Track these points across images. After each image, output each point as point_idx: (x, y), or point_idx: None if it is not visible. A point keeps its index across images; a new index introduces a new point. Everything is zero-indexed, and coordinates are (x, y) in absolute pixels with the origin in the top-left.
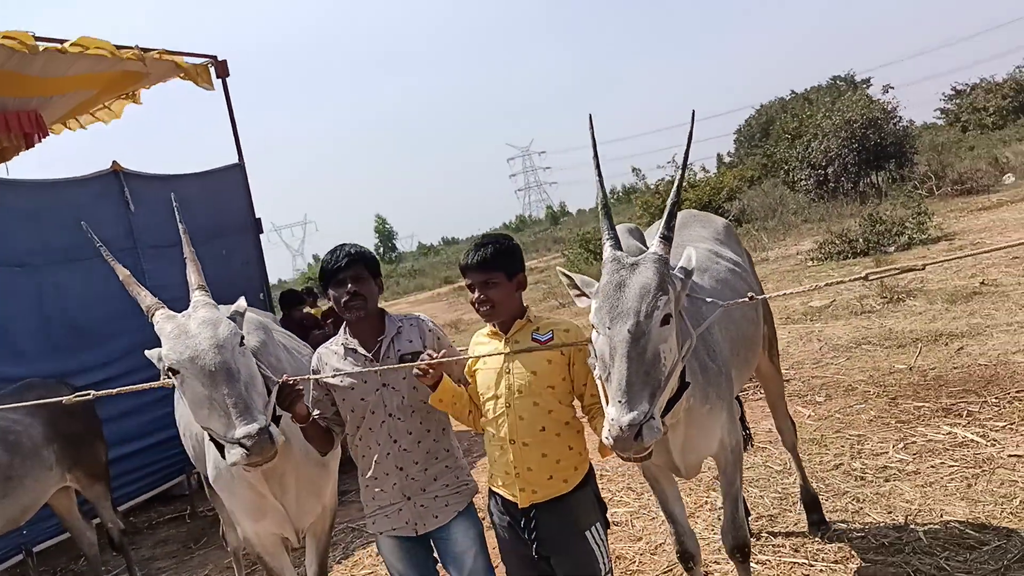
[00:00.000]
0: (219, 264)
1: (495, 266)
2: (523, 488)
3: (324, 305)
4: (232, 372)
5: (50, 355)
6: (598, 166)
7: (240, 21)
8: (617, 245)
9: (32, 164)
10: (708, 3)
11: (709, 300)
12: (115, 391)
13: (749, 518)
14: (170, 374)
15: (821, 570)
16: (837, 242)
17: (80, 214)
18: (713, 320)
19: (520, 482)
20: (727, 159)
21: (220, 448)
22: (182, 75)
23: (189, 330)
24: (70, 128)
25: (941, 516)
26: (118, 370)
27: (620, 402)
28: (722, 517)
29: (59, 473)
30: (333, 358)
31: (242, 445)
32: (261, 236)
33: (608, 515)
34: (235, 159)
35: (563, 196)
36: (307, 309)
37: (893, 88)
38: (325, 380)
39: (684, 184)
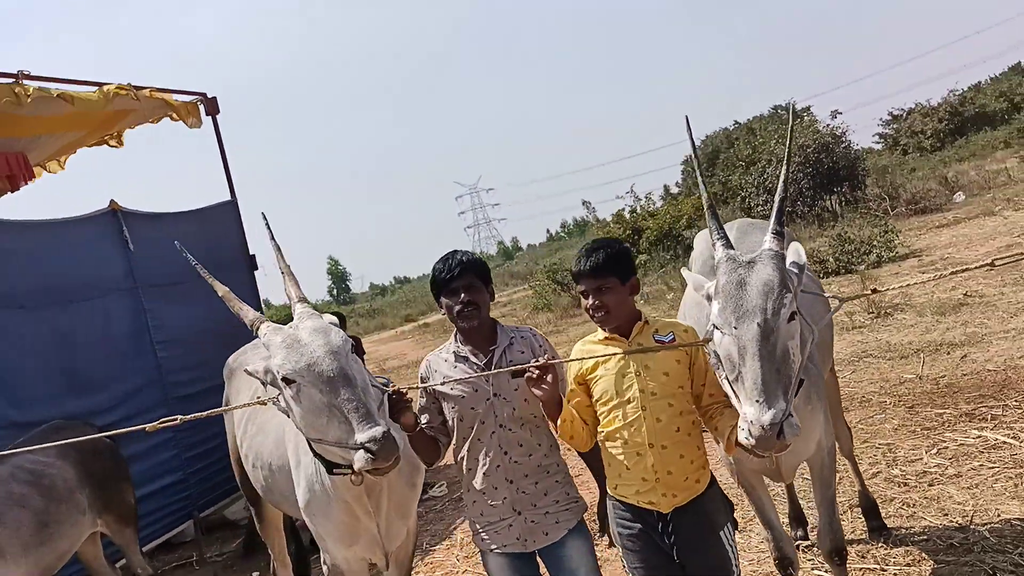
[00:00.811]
0: (214, 302)
1: (608, 271)
2: (665, 493)
3: None
4: (350, 377)
5: (52, 398)
6: (699, 167)
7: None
8: (728, 244)
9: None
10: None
11: (828, 296)
12: (193, 416)
13: (809, 528)
14: (281, 386)
15: (895, 574)
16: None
17: (80, 254)
18: (830, 318)
19: (661, 487)
20: (675, 189)
21: (328, 465)
22: (172, 114)
23: (301, 339)
24: (50, 171)
25: (999, 516)
26: (122, 414)
27: (757, 401)
28: (819, 521)
29: (91, 518)
30: (443, 366)
31: (367, 450)
32: (256, 272)
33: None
34: (227, 195)
35: (512, 232)
36: None
37: (841, 113)
38: (435, 388)
39: (644, 213)
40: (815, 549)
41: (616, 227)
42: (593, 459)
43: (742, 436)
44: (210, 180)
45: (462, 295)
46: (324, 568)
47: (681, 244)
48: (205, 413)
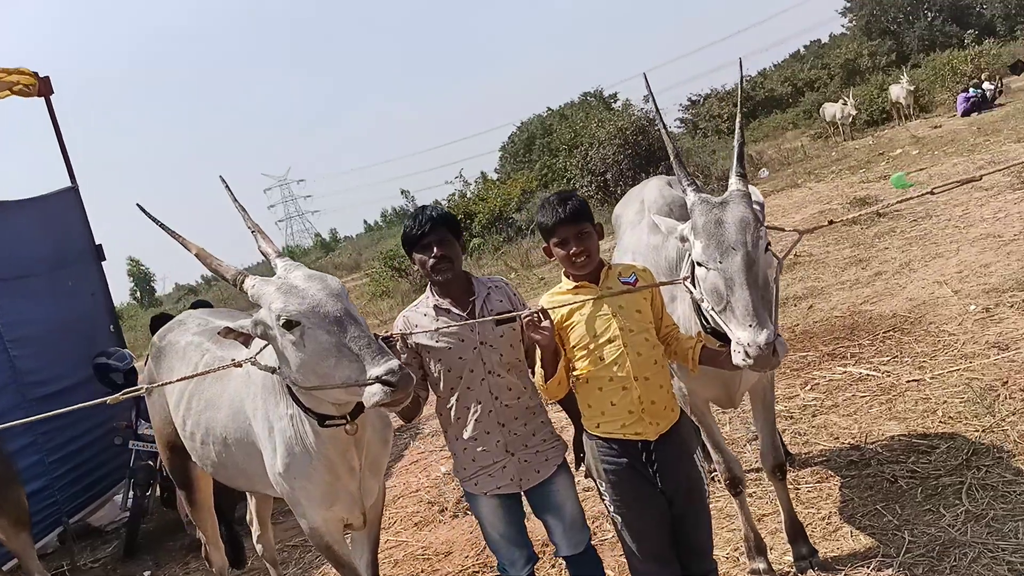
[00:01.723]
0: (67, 296)
1: (585, 217)
2: (650, 422)
3: None
4: (355, 317)
5: None
6: (662, 121)
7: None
8: (698, 188)
9: None
10: (465, 28)
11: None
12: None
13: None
14: (279, 333)
15: (808, 490)
16: None
17: None
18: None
19: (648, 416)
20: (493, 175)
21: (319, 418)
22: (6, 92)
23: (297, 285)
24: None
25: (883, 434)
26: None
27: (751, 325)
28: (760, 443)
29: None
30: (423, 320)
31: (385, 382)
32: (104, 264)
33: None
34: (66, 182)
35: (329, 223)
36: None
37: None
38: (416, 342)
39: (475, 197)
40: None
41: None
42: (568, 402)
43: (738, 359)
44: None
45: (434, 249)
46: (304, 526)
47: (512, 226)
48: (176, 379)
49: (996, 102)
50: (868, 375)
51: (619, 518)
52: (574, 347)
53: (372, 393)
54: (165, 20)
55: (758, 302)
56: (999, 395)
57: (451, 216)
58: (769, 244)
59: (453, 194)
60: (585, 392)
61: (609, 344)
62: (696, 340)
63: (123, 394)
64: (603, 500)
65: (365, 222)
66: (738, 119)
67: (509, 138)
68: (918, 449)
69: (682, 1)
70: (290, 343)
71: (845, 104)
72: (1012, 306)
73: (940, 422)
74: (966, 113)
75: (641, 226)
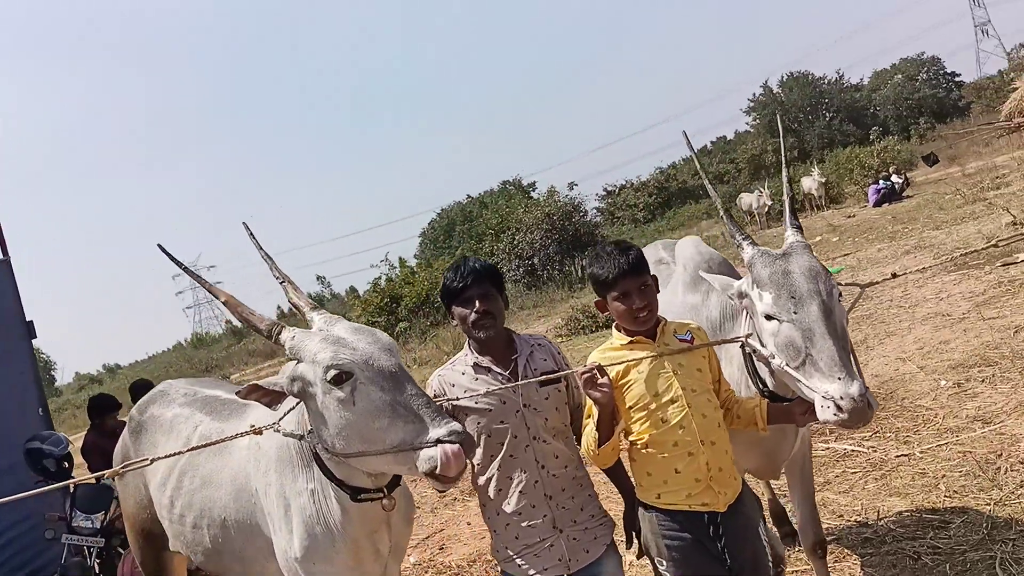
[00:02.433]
0: None
1: (647, 268)
2: (718, 492)
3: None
4: (408, 375)
5: None
6: (706, 175)
7: None
8: (754, 242)
9: None
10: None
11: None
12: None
13: None
14: (323, 390)
15: (829, 570)
16: (581, 317)
17: None
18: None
19: (716, 485)
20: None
21: (353, 492)
22: None
23: (344, 337)
24: None
25: (887, 511)
26: None
27: (840, 377)
28: (799, 517)
29: None
30: (462, 379)
31: (451, 443)
32: (34, 342)
33: None
34: None
35: None
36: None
37: (577, 184)
38: (454, 404)
39: (400, 280)
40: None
41: (374, 295)
42: (617, 472)
43: (827, 414)
44: None
45: (476, 304)
46: None
47: (439, 310)
48: (184, 451)
49: (904, 193)
50: (854, 451)
51: None
52: (631, 408)
53: (429, 457)
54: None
55: (842, 352)
56: (999, 468)
57: (494, 269)
58: (840, 295)
59: (379, 277)
60: (644, 459)
61: (672, 405)
62: (759, 400)
63: (121, 469)
64: None
65: (279, 308)
66: (784, 174)
67: (429, 224)
68: (932, 525)
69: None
70: (336, 401)
71: (760, 194)
72: (983, 381)
73: (945, 497)
74: (877, 204)
75: (671, 286)
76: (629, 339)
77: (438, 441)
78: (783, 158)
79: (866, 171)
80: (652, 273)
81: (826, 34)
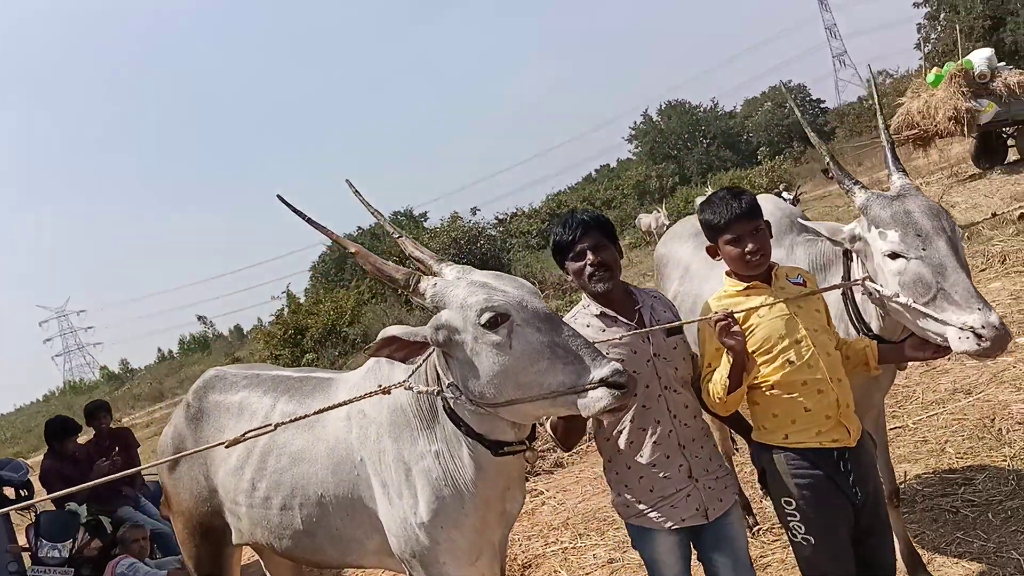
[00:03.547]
0: None
1: (760, 212)
2: (847, 427)
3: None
4: (559, 316)
5: None
6: (807, 126)
7: None
8: (864, 187)
9: None
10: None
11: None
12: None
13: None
14: (476, 335)
15: None
16: None
17: None
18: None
19: (845, 421)
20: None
21: (495, 445)
22: None
23: (489, 282)
24: None
25: (905, 474)
26: None
27: (979, 308)
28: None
29: None
30: (587, 332)
31: (613, 384)
32: None
33: None
34: None
35: (116, 355)
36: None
37: (480, 209)
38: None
39: (304, 311)
40: None
41: (277, 327)
42: (736, 418)
43: (967, 344)
44: None
45: (589, 256)
46: None
47: (346, 341)
48: (335, 406)
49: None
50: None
51: (810, 539)
52: (755, 352)
53: (597, 398)
54: None
55: (972, 284)
56: (999, 429)
57: (605, 219)
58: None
59: (281, 310)
60: (769, 401)
61: (797, 345)
62: (867, 340)
63: (244, 437)
64: (787, 523)
65: (159, 351)
66: (880, 119)
67: (320, 258)
68: (955, 482)
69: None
70: (490, 346)
71: (659, 215)
72: (948, 359)
73: (957, 458)
74: None
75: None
76: (745, 284)
77: (602, 381)
78: (879, 114)
79: (756, 190)
80: (764, 219)
81: (700, 64)
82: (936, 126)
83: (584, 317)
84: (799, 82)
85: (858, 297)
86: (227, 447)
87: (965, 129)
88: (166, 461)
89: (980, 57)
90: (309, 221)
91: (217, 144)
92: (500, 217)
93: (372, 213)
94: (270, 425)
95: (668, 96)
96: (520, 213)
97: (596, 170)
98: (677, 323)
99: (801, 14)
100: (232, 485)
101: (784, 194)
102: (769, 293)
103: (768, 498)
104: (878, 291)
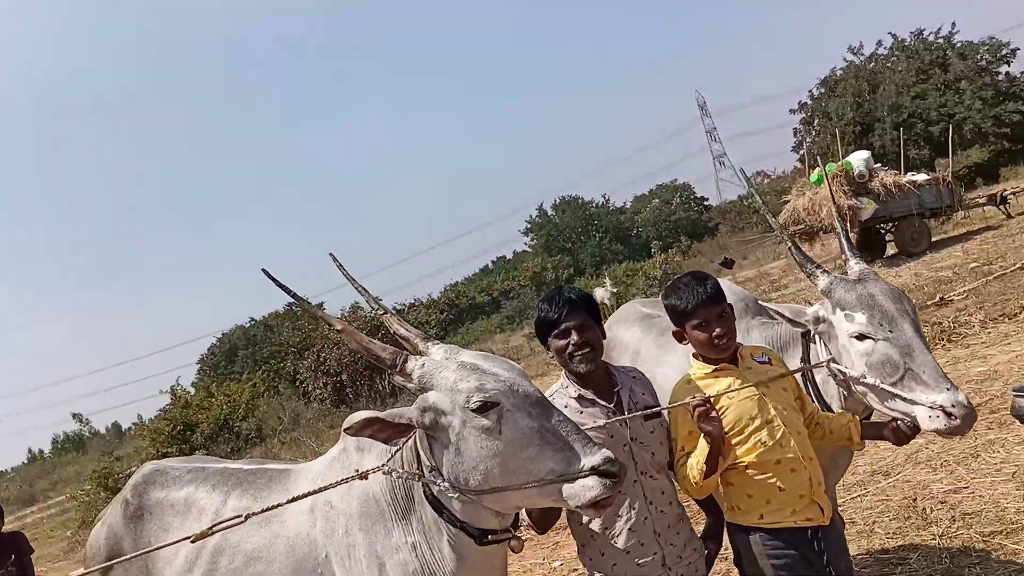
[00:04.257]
0: None
1: (724, 296)
2: (820, 506)
3: None
4: (549, 401)
5: None
6: (760, 199)
7: None
8: (826, 271)
9: None
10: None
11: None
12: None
13: None
14: (463, 419)
15: None
16: None
17: None
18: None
19: (819, 499)
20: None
21: (480, 534)
22: None
23: (480, 364)
24: None
25: None
26: None
27: (947, 388)
28: None
29: None
30: (564, 412)
31: (604, 473)
32: None
33: None
34: None
35: None
36: None
37: (380, 299)
38: None
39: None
40: None
41: (164, 423)
42: (708, 501)
43: (936, 423)
44: None
45: (573, 335)
46: None
47: (239, 436)
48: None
49: None
50: None
51: None
52: (729, 434)
53: (588, 487)
54: None
55: (937, 365)
56: (923, 508)
57: (590, 297)
58: None
59: (171, 404)
60: (743, 482)
61: (768, 425)
62: (850, 416)
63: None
64: None
65: (30, 450)
66: (835, 214)
67: (209, 350)
68: (891, 562)
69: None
70: (478, 431)
71: (607, 286)
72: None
73: (888, 537)
74: None
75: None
76: (712, 367)
77: (593, 469)
78: (836, 215)
79: (651, 281)
80: (728, 303)
81: (592, 162)
82: (820, 222)
83: (562, 398)
84: (684, 181)
85: (819, 377)
86: (193, 541)
87: (848, 225)
88: (109, 565)
89: (858, 159)
90: (295, 297)
91: (102, 230)
92: (399, 308)
93: (356, 288)
94: (240, 516)
95: (562, 192)
96: (419, 303)
97: (493, 261)
98: (655, 409)
99: (683, 117)
100: None
101: None
102: (737, 374)
103: None
104: (844, 372)
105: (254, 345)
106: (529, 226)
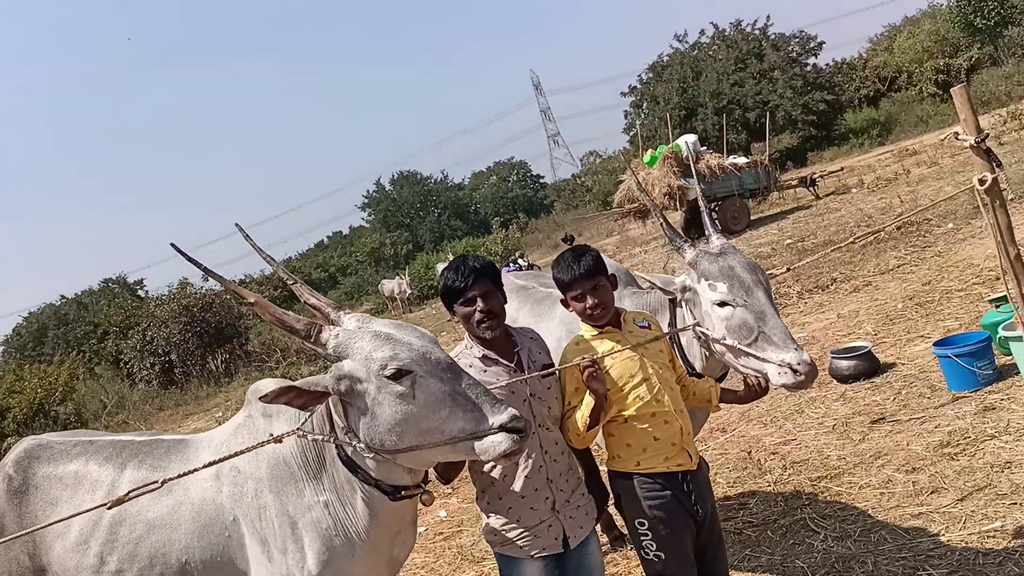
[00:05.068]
0: None
1: (599, 271)
2: (689, 453)
3: None
4: (458, 364)
5: None
6: (655, 206)
7: None
8: (693, 244)
9: None
10: None
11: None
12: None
13: None
14: (379, 385)
15: None
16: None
17: None
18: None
19: (688, 446)
20: None
21: (393, 490)
22: None
23: (392, 334)
24: None
25: None
26: None
27: (794, 348)
28: None
29: None
30: (470, 372)
31: (512, 429)
32: None
33: None
34: None
35: None
36: None
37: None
38: None
39: (6, 389)
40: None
41: None
42: (585, 452)
43: (785, 378)
44: None
45: (479, 303)
46: None
47: (57, 421)
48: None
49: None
50: None
51: (661, 554)
52: (611, 390)
53: (496, 442)
54: None
55: (787, 329)
56: (758, 459)
57: (494, 266)
58: None
59: None
60: (623, 432)
61: (645, 382)
62: (712, 381)
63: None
64: (639, 542)
65: None
66: (698, 190)
67: (14, 331)
68: (733, 507)
69: (198, 192)
70: (393, 396)
71: (401, 280)
72: None
73: (729, 486)
74: None
75: (556, 308)
76: (598, 330)
77: (501, 427)
78: (696, 179)
79: (492, 257)
80: (611, 273)
81: (431, 138)
82: (653, 200)
83: (467, 358)
84: (520, 158)
85: (684, 340)
86: (109, 508)
87: (677, 204)
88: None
89: (686, 142)
90: (204, 269)
91: None
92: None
93: (265, 259)
94: (155, 483)
95: (399, 167)
96: (251, 280)
97: (328, 236)
98: (551, 370)
99: (519, 97)
100: (73, 562)
101: (520, 260)
102: (619, 337)
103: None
104: (707, 334)
105: (66, 324)
106: (367, 201)
